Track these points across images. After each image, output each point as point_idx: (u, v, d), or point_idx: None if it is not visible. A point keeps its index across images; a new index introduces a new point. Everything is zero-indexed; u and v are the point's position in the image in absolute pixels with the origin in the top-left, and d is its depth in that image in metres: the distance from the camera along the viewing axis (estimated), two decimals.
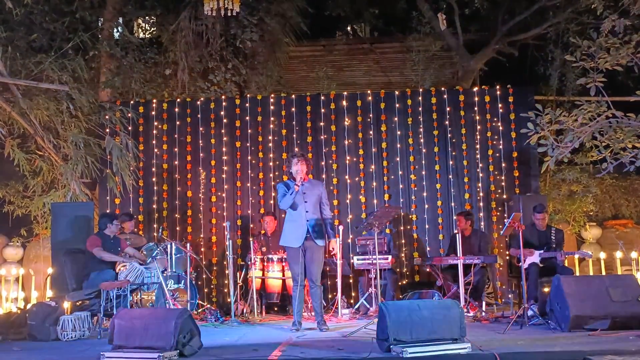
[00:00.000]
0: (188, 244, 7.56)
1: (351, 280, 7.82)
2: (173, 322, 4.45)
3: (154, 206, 8.28)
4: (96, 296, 6.27)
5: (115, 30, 9.69)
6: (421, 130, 8.36)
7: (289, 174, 6.02)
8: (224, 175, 8.33)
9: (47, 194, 8.37)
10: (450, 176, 8.27)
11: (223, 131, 8.42)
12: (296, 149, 7.98)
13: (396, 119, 8.38)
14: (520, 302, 6.08)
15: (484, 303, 6.97)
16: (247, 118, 8.43)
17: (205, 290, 8.00)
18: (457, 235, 6.92)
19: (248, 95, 8.73)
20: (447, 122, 8.37)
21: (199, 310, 7.18)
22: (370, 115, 8.42)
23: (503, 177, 8.22)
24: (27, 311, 6.23)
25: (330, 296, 7.59)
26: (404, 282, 7.97)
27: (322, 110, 8.44)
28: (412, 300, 6.85)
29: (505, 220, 6.99)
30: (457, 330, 4.42)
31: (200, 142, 8.40)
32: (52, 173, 8.37)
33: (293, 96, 8.62)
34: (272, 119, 8.42)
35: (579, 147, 6.19)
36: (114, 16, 9.48)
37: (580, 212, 9.28)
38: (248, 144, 8.38)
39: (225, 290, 7.83)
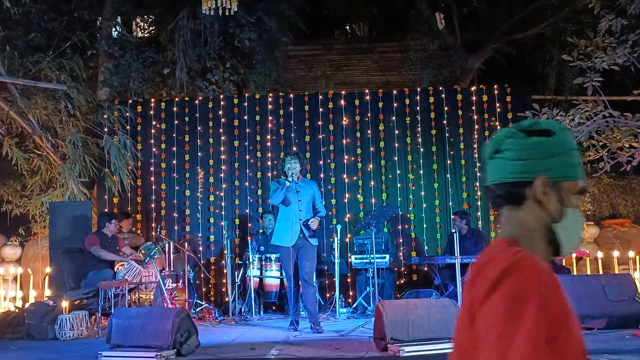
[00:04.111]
0: (186, 243, 7.57)
1: (349, 280, 7.83)
2: (171, 321, 4.46)
3: (152, 205, 8.29)
4: (94, 295, 6.29)
5: (113, 29, 9.69)
6: (419, 129, 8.37)
7: (282, 173, 5.96)
8: (222, 175, 8.34)
9: (45, 193, 8.37)
10: (448, 175, 8.29)
11: (221, 130, 8.43)
12: (294, 148, 7.99)
13: (394, 118, 8.40)
14: None
15: None
16: (246, 117, 8.44)
17: (204, 289, 8.01)
18: (454, 234, 6.92)
19: (246, 95, 8.73)
20: (445, 122, 8.39)
21: (197, 310, 7.19)
22: (369, 115, 8.43)
23: None
24: (25, 310, 6.24)
25: (328, 295, 7.60)
26: (402, 282, 7.99)
27: (320, 110, 8.45)
28: (409, 299, 6.87)
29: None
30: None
31: (199, 141, 8.40)
32: (50, 172, 8.37)
33: (291, 95, 8.64)
34: (270, 118, 8.43)
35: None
36: (112, 15, 9.48)
37: None
38: (246, 143, 8.39)
39: (223, 290, 7.83)
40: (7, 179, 8.79)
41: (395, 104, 8.45)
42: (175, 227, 8.24)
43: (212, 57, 9.29)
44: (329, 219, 7.75)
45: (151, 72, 9.35)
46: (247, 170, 8.35)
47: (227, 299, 7.34)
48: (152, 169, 8.36)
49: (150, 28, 10.39)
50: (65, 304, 6.42)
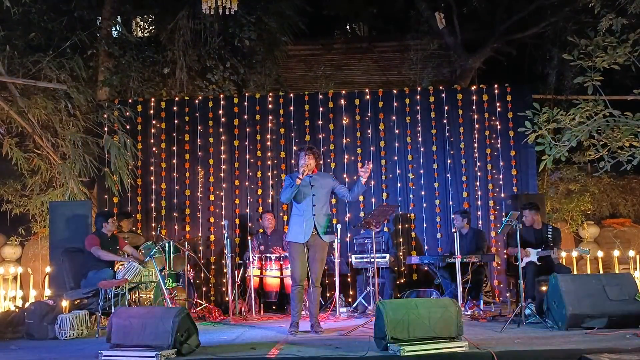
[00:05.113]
0: (186, 243, 7.57)
1: (349, 279, 7.83)
2: (171, 321, 4.45)
3: (152, 205, 8.29)
4: (94, 295, 6.28)
5: (113, 29, 9.69)
6: (419, 129, 8.37)
7: (296, 167, 5.74)
8: (222, 174, 8.33)
9: (45, 192, 8.36)
10: (448, 175, 8.28)
11: (221, 130, 8.43)
12: (295, 148, 7.98)
13: (394, 117, 8.40)
14: (518, 300, 6.08)
15: (481, 302, 6.98)
16: (246, 117, 8.44)
17: (204, 289, 8.01)
18: (455, 234, 6.92)
19: (246, 94, 8.73)
20: (445, 121, 8.38)
21: (197, 309, 7.19)
22: (369, 114, 8.43)
23: (501, 176, 8.24)
24: (25, 310, 6.23)
25: (328, 295, 7.60)
26: (402, 281, 7.98)
27: (320, 109, 8.45)
28: (409, 298, 6.86)
29: (503, 219, 7.00)
30: (454, 328, 4.43)
31: (199, 141, 8.40)
32: (50, 172, 8.36)
33: (291, 95, 8.62)
34: (270, 117, 8.43)
35: (576, 145, 6.19)
36: (112, 15, 9.48)
37: (578, 211, 9.30)
38: (246, 143, 8.39)
39: (224, 289, 7.83)
40: (7, 178, 8.78)
41: (395, 104, 8.44)
42: (176, 227, 8.23)
43: (212, 57, 9.30)
44: (335, 216, 7.75)
45: (151, 72, 9.35)
46: (247, 170, 8.35)
47: (227, 299, 7.33)
48: (152, 168, 8.36)
49: (150, 28, 10.39)
50: (65, 303, 6.42)
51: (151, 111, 8.48)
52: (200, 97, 8.64)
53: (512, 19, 10.08)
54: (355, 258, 7.26)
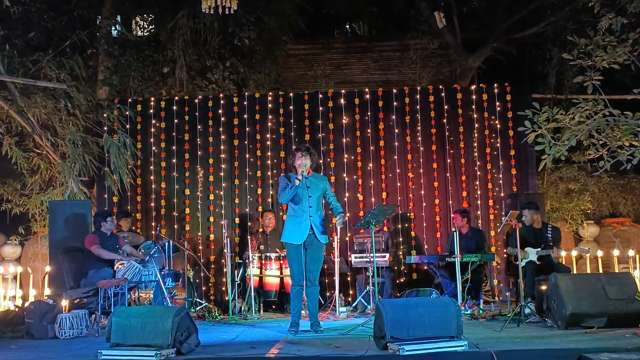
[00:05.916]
0: (186, 242, 7.57)
1: (349, 278, 7.83)
2: (170, 320, 4.44)
3: (152, 204, 8.29)
4: (94, 294, 6.27)
5: (113, 28, 9.68)
6: (419, 128, 8.37)
7: (292, 167, 5.74)
8: (222, 174, 8.33)
9: (45, 192, 8.37)
10: (448, 174, 8.29)
11: (221, 129, 8.43)
12: (294, 147, 7.97)
13: (394, 117, 8.40)
14: (518, 299, 6.08)
15: (481, 301, 6.98)
16: (245, 116, 8.44)
17: (203, 288, 8.01)
18: (455, 233, 6.92)
19: (246, 94, 8.72)
20: (444, 120, 8.39)
21: (197, 308, 7.19)
22: (368, 114, 8.43)
23: (500, 175, 8.24)
24: (24, 309, 6.23)
25: (327, 294, 7.60)
26: (402, 280, 7.99)
27: (320, 109, 8.45)
28: (409, 298, 6.86)
29: (503, 218, 7.00)
30: (454, 328, 4.42)
31: (198, 140, 8.40)
32: (50, 171, 8.37)
33: (291, 94, 8.62)
34: (270, 117, 8.43)
35: (576, 145, 6.19)
36: (112, 14, 9.47)
37: (577, 210, 9.31)
38: (246, 142, 8.39)
39: (223, 289, 7.83)
40: (7, 177, 8.79)
41: (395, 103, 8.44)
42: (175, 226, 8.23)
43: (212, 56, 9.30)
44: (328, 217, 7.74)
45: (151, 71, 9.35)
46: (247, 169, 8.35)
47: (227, 298, 7.33)
48: (151, 167, 8.36)
49: (150, 27, 10.38)
50: (65, 302, 6.42)
51: (151, 110, 8.48)
52: (200, 97, 8.64)
53: (512, 19, 10.07)
54: (355, 257, 7.27)
